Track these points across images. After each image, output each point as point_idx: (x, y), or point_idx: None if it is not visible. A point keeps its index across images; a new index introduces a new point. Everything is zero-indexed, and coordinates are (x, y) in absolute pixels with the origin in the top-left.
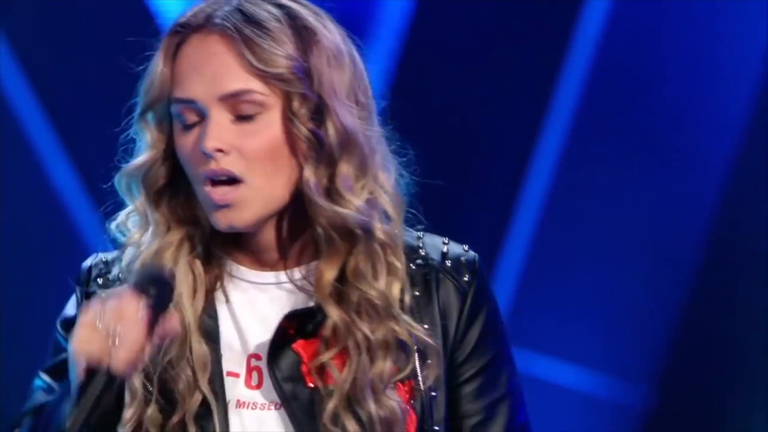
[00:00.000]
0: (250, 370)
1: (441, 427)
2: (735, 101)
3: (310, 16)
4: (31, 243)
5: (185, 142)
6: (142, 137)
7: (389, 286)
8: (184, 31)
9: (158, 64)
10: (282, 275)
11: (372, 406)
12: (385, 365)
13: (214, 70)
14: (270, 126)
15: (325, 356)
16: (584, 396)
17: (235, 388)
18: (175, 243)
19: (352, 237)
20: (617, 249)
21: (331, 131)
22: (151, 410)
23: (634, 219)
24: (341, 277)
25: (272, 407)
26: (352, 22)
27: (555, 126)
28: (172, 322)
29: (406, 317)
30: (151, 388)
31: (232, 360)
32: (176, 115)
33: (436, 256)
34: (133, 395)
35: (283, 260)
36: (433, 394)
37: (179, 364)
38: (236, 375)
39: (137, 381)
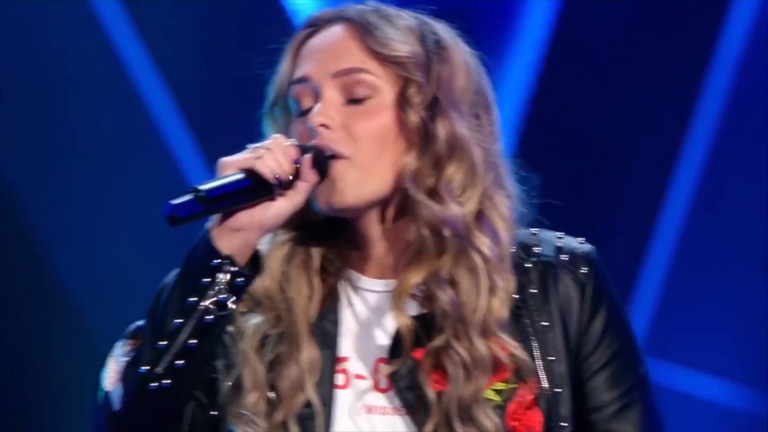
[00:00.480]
0: (377, 373)
1: (568, 423)
2: None
3: (443, 30)
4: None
5: (298, 128)
6: (268, 134)
7: (489, 303)
8: (313, 27)
9: (285, 60)
10: (393, 283)
11: (465, 428)
12: (482, 384)
13: (331, 50)
14: (381, 110)
15: (420, 364)
16: (726, 409)
17: (365, 393)
18: (287, 244)
19: (444, 241)
20: (761, 259)
21: (440, 130)
22: (261, 402)
23: None
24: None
25: (400, 413)
26: (493, 33)
27: (700, 134)
28: (309, 170)
29: (503, 336)
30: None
31: (360, 363)
32: (293, 102)
33: (550, 251)
34: (250, 380)
35: (393, 268)
36: (558, 390)
37: (287, 364)
38: (364, 377)
39: (259, 366)
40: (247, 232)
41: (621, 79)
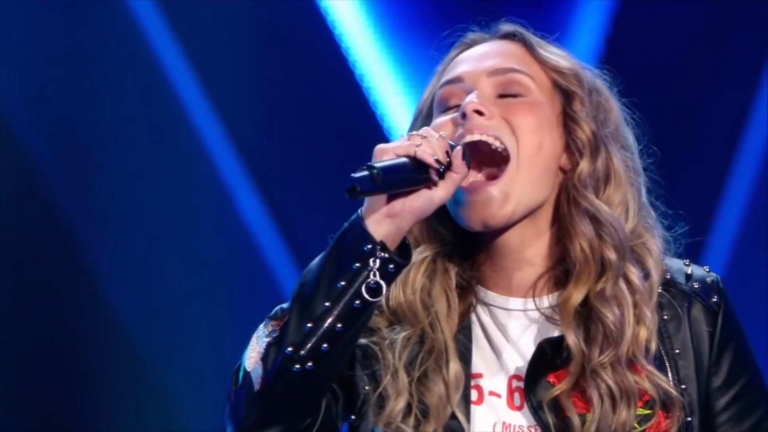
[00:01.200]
0: (511, 391)
1: None
2: None
3: (590, 69)
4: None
5: (441, 123)
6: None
7: (636, 333)
8: (467, 46)
9: (433, 79)
10: (529, 302)
11: None
12: (627, 415)
13: (488, 54)
14: (538, 107)
15: (560, 388)
16: None
17: (500, 410)
18: (426, 260)
19: (604, 263)
20: None
21: (602, 151)
22: (409, 413)
23: None
24: (585, 306)
25: (536, 430)
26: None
27: (756, 133)
28: (461, 162)
29: (650, 367)
30: (411, 394)
31: (494, 380)
32: (438, 104)
33: (681, 278)
34: (399, 392)
35: (531, 287)
36: (689, 419)
37: (433, 378)
38: (498, 395)
39: (407, 379)
40: (400, 218)
41: (678, 76)
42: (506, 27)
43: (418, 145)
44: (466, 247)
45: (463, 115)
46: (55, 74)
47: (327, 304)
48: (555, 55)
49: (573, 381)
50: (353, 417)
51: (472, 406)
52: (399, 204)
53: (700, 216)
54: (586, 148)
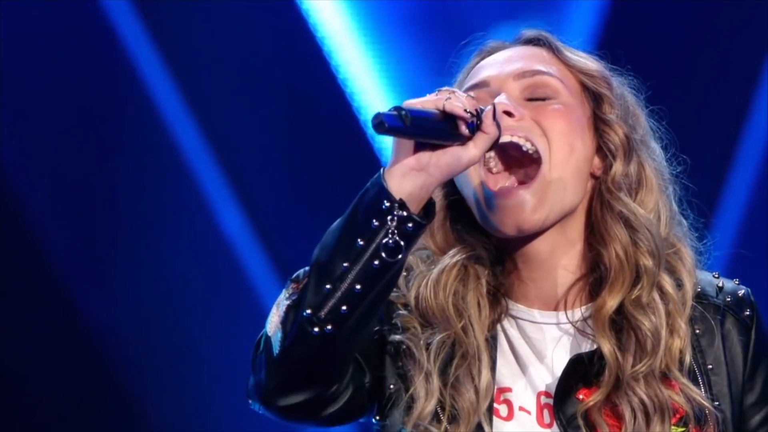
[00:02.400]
0: (540, 408)
1: None
2: None
3: (619, 72)
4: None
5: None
6: None
7: (669, 344)
8: (487, 53)
9: (454, 86)
10: (560, 315)
11: None
12: (662, 429)
13: (513, 58)
14: (569, 112)
15: (593, 399)
16: None
17: (529, 426)
18: (458, 265)
19: (639, 269)
20: None
21: (634, 155)
22: (438, 416)
23: None
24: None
25: None
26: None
27: (756, 130)
28: (491, 122)
29: (685, 380)
30: (443, 397)
31: (523, 396)
32: None
33: (712, 291)
34: (430, 394)
35: (561, 299)
36: None
37: (465, 384)
38: (528, 412)
39: (440, 383)
40: (426, 173)
41: (677, 71)
42: (529, 32)
43: (447, 99)
44: (493, 258)
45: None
46: (26, 70)
47: (346, 264)
48: (582, 57)
49: (605, 394)
50: (378, 418)
51: (502, 422)
52: (426, 157)
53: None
54: (619, 150)
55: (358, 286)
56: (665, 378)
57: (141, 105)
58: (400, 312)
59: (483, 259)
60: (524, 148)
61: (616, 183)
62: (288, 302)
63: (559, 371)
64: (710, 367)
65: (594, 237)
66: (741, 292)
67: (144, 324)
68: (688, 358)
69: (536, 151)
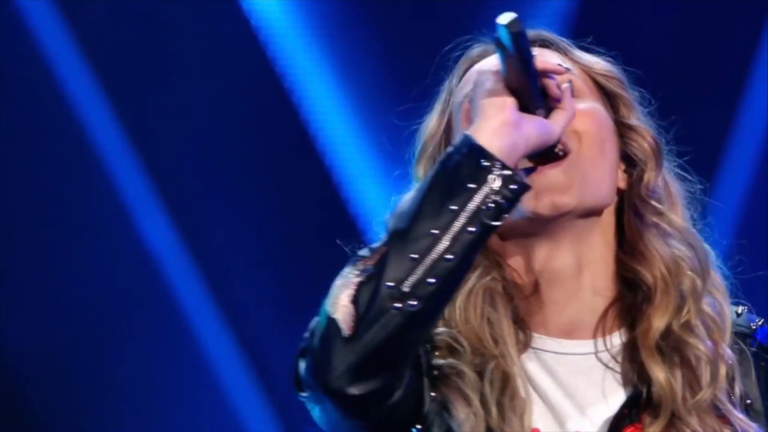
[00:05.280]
0: None
1: None
2: None
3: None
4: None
5: None
6: (416, 182)
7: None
8: (479, 57)
9: (443, 97)
10: (587, 344)
11: None
12: None
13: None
14: (599, 111)
15: None
16: None
17: None
18: (488, 285)
19: (684, 289)
20: None
21: (663, 166)
22: None
23: None
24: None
25: None
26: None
27: (749, 129)
28: (570, 98)
29: (738, 414)
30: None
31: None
32: (465, 113)
33: (734, 317)
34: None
35: (590, 326)
36: None
37: (510, 420)
38: None
39: (481, 411)
40: (518, 134)
41: (666, 70)
42: (531, 34)
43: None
44: (511, 280)
45: None
46: None
47: (434, 231)
48: (593, 58)
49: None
50: (419, 426)
51: None
52: (517, 115)
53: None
54: (650, 157)
55: (449, 256)
56: (716, 410)
57: (53, 100)
58: (438, 334)
59: (506, 281)
60: (556, 149)
61: (650, 190)
62: (359, 279)
63: (593, 409)
64: (749, 401)
65: (627, 255)
66: (760, 321)
67: (54, 335)
68: (737, 389)
69: (565, 153)
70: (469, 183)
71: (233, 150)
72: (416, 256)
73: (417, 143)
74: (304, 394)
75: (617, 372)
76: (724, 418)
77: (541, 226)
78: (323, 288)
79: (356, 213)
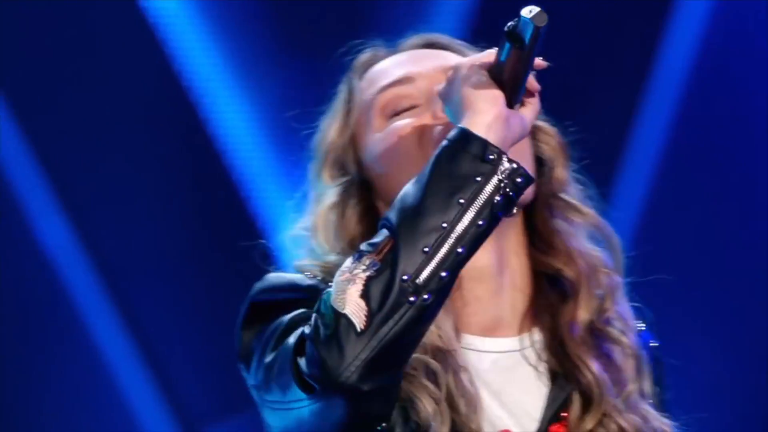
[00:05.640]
0: None
1: None
2: None
3: None
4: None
5: (402, 128)
6: (322, 186)
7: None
8: (375, 57)
9: (344, 97)
10: (510, 341)
11: None
12: None
13: (423, 55)
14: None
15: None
16: None
17: None
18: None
19: (602, 284)
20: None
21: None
22: None
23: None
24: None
25: None
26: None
27: (649, 129)
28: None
29: (650, 408)
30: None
31: None
32: (382, 110)
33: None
34: (443, 420)
35: (511, 323)
36: None
37: (467, 402)
38: None
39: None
40: (508, 126)
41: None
42: (425, 36)
43: None
44: None
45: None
46: None
47: (444, 224)
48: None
49: (589, 429)
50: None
51: None
52: (507, 110)
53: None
54: (558, 153)
55: (460, 249)
56: (636, 406)
57: None
58: None
59: None
60: None
61: (562, 189)
62: (369, 273)
63: (518, 407)
64: (650, 399)
65: (542, 252)
66: (648, 319)
67: None
68: (648, 385)
69: None
70: (477, 176)
71: (131, 150)
72: (428, 249)
73: (318, 148)
74: (314, 392)
75: (541, 369)
76: (641, 413)
77: None
78: (222, 287)
79: (256, 213)
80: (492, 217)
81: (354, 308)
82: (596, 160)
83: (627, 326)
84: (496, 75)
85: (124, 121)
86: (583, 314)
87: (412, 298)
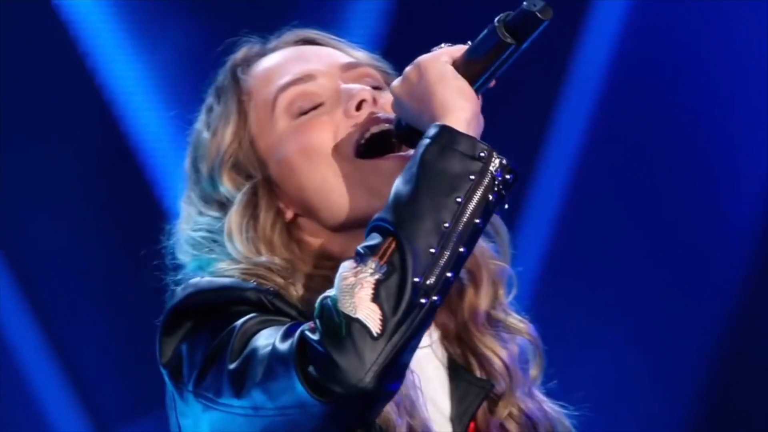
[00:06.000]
0: None
1: None
2: (758, 99)
3: None
4: None
5: (313, 126)
6: (228, 190)
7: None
8: (257, 56)
9: (232, 105)
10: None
11: None
12: None
13: (316, 53)
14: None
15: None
16: None
17: None
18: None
19: (494, 271)
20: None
21: None
22: None
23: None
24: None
25: None
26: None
27: (566, 131)
28: None
29: (541, 395)
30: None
31: None
32: (286, 108)
33: None
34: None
35: None
36: None
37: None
38: None
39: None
40: (480, 124)
41: None
42: (304, 34)
43: None
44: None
45: (358, 107)
46: None
47: (446, 224)
48: (368, 53)
49: (502, 415)
50: None
51: None
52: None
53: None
54: None
55: (462, 248)
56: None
57: None
58: None
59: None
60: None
61: None
62: (377, 276)
63: (431, 403)
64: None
65: None
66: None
67: None
68: (540, 372)
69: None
70: (470, 175)
71: (41, 148)
72: (434, 250)
73: (208, 152)
74: (327, 396)
75: (445, 363)
76: (538, 400)
77: None
78: (134, 288)
79: (168, 213)
80: (487, 215)
81: (367, 312)
82: (515, 158)
83: (521, 315)
84: (466, 69)
85: (35, 118)
86: (484, 302)
87: (423, 300)
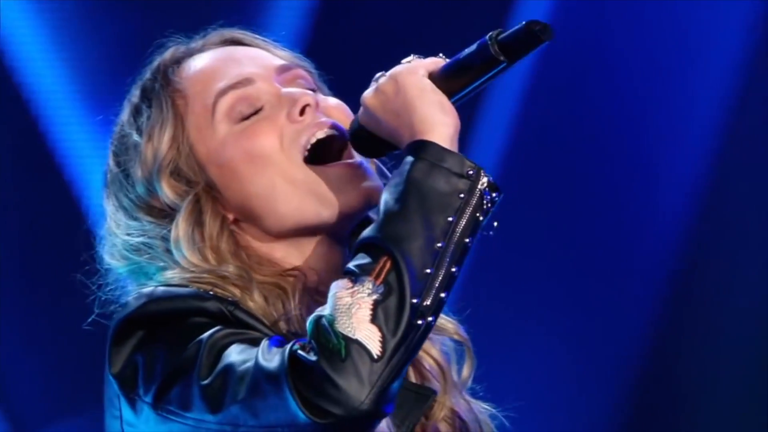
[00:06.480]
0: None
1: None
2: (682, 97)
3: None
4: None
5: (257, 131)
6: (169, 197)
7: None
8: (184, 56)
9: (167, 110)
10: None
11: None
12: None
13: (248, 55)
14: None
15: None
16: None
17: None
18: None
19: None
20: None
21: None
22: None
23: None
24: None
25: None
26: None
27: (489, 129)
28: None
29: (468, 396)
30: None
31: None
32: (227, 113)
33: None
34: None
35: None
36: None
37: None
38: None
39: None
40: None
41: None
42: (230, 34)
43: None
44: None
45: (302, 111)
46: None
47: (439, 245)
48: (287, 50)
49: (439, 416)
50: None
51: None
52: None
53: None
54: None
55: (454, 268)
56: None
57: None
58: None
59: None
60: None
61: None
62: (375, 297)
63: None
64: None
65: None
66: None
67: None
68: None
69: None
70: (459, 193)
71: None
72: (430, 270)
73: (143, 156)
74: (310, 417)
75: None
76: (465, 399)
77: (344, 221)
78: (58, 291)
79: (89, 215)
80: (476, 234)
81: (366, 333)
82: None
83: (449, 316)
84: (444, 83)
85: None
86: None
87: (420, 322)
